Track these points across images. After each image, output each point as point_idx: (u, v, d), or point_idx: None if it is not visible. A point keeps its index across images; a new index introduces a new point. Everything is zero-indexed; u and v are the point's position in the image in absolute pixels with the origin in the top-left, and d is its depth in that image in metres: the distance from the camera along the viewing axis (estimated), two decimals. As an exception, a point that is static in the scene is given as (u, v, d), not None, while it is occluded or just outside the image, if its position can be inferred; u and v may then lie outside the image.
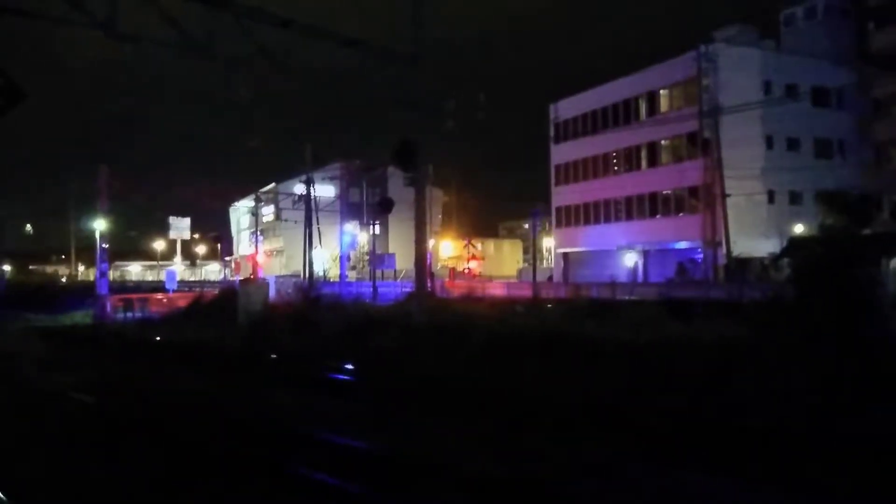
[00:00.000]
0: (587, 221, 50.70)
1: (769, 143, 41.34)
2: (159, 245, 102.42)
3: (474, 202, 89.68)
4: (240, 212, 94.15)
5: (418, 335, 15.76)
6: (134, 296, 39.99)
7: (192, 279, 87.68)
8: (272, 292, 32.57)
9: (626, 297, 24.97)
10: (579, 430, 8.75)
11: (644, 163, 46.25)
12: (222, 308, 27.39)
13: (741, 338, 11.38)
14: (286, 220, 58.37)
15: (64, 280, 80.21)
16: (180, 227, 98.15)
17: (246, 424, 9.41)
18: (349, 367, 14.53)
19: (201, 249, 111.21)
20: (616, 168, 48.82)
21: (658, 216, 44.96)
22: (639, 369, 10.89)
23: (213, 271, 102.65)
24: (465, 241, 61.83)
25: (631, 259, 47.33)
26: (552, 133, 53.01)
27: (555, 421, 9.14)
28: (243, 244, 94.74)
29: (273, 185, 77.67)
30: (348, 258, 66.03)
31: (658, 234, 44.23)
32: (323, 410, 10.68)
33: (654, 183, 44.42)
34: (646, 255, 46.43)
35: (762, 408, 8.79)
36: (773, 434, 8.02)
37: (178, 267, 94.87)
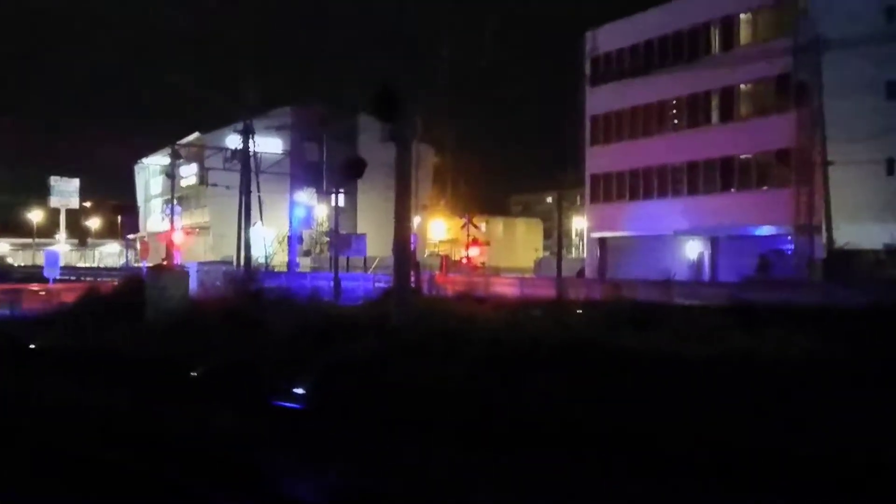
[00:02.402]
0: (633, 196, 50.87)
1: (891, 91, 41.52)
2: (36, 216, 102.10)
3: (478, 166, 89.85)
4: (149, 172, 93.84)
5: (399, 343, 15.96)
6: (-2, 286, 40.07)
7: (82, 264, 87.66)
8: (193, 284, 32.65)
9: (685, 302, 25.14)
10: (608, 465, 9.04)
11: (715, 116, 46.38)
12: (125, 305, 27.49)
13: (839, 360, 11.66)
14: (214, 186, 58.21)
15: None
16: (66, 192, 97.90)
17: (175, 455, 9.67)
18: (307, 381, 14.74)
19: (95, 224, 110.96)
20: (675, 122, 48.93)
21: (732, 190, 45.18)
22: (685, 392, 11.20)
23: (111, 254, 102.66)
24: (465, 220, 61.92)
25: (693, 249, 47.52)
26: (588, 71, 53.04)
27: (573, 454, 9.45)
28: (154, 217, 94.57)
29: (196, 134, 77.48)
30: (300, 240, 66.23)
31: (732, 215, 44.49)
32: (278, 438, 10.91)
33: (728, 144, 44.61)
34: (714, 243, 46.66)
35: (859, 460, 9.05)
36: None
37: (63, 247, 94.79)
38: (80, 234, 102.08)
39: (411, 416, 12.28)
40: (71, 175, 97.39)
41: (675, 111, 48.83)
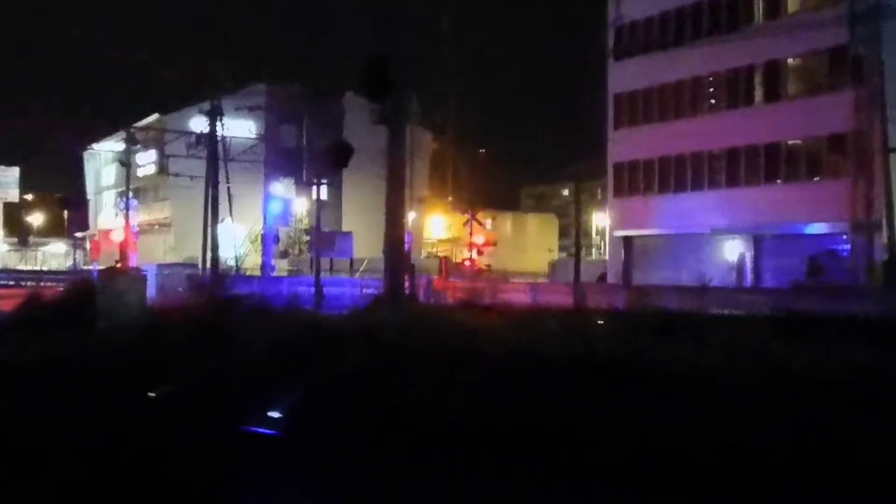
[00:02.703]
0: (663, 188, 50.88)
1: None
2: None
3: (483, 153, 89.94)
4: (101, 160, 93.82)
5: (390, 360, 15.87)
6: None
7: (22, 267, 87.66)
8: (151, 290, 32.61)
9: (724, 311, 25.07)
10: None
11: (758, 94, 46.38)
12: (73, 314, 27.41)
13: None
14: (176, 176, 58.23)
15: None
16: (3, 183, 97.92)
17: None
18: (283, 404, 14.68)
19: (37, 220, 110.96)
20: (712, 102, 48.94)
21: (778, 181, 45.20)
22: (727, 422, 11.11)
23: (56, 255, 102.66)
24: (467, 216, 61.83)
25: (733, 250, 47.52)
26: (611, 43, 53.00)
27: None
28: (106, 213, 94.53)
29: (155, 116, 77.39)
30: (276, 239, 66.11)
31: (778, 211, 44.49)
32: (248, 471, 10.84)
33: (774, 128, 44.62)
34: (757, 243, 46.68)
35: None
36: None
37: (0, 247, 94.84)
38: (20, 232, 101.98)
39: (405, 445, 12.19)
40: (8, 163, 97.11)
41: (711, 89, 48.87)
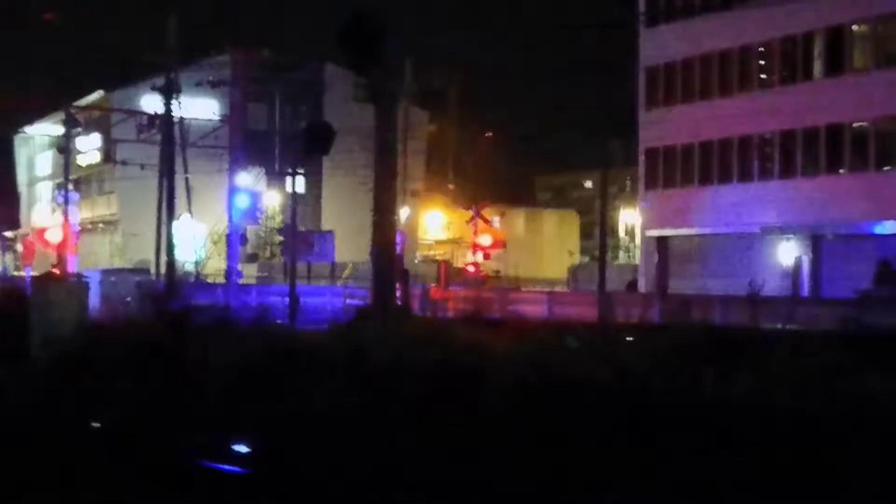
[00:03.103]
0: (704, 179, 50.80)
1: None
2: None
3: (490, 137, 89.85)
4: (34, 146, 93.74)
5: (378, 387, 15.75)
6: None
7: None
8: (94, 300, 32.49)
9: (779, 325, 24.95)
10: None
11: (817, 67, 46.25)
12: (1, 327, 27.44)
13: None
14: (124, 164, 58.11)
15: None
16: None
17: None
18: (250, 437, 14.61)
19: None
20: (763, 76, 48.80)
21: (842, 171, 45.17)
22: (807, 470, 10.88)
23: None
24: (472, 212, 61.84)
25: (788, 252, 47.41)
26: (642, 6, 52.98)
27: None
28: (41, 208, 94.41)
29: (100, 94, 77.29)
30: (244, 240, 65.89)
31: (841, 206, 44.46)
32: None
33: (837, 106, 44.50)
34: (816, 244, 46.56)
35: None
36: None
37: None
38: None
39: (393, 491, 12.06)
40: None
41: (762, 61, 48.78)
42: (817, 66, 46.30)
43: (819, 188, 45.53)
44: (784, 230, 47.20)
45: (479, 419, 14.10)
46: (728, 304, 29.42)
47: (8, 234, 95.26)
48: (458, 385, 15.37)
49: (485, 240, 58.57)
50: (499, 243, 62.72)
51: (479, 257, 58.13)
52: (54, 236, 53.12)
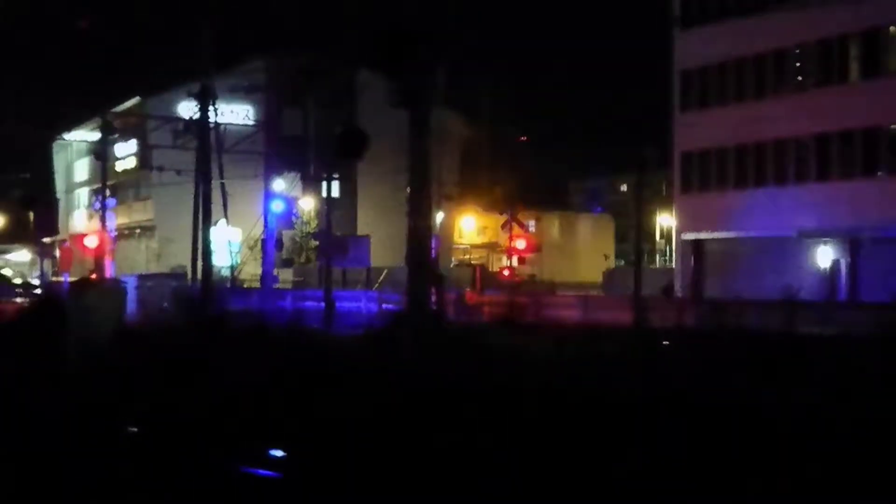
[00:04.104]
0: (741, 182, 50.60)
1: None
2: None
3: (524, 142, 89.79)
4: (72, 153, 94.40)
5: (411, 392, 15.71)
6: None
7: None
8: (130, 306, 32.62)
9: (816, 330, 24.80)
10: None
11: (854, 69, 45.99)
12: (36, 335, 27.49)
13: None
14: (160, 170, 58.39)
15: None
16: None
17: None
18: (286, 441, 14.62)
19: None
20: (799, 79, 48.55)
21: (880, 173, 44.86)
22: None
23: (20, 264, 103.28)
24: (506, 216, 61.82)
25: (826, 256, 47.12)
26: (678, 9, 52.84)
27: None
28: (79, 214, 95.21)
29: (136, 100, 77.77)
30: (279, 245, 66.18)
31: (880, 209, 44.21)
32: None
33: (874, 108, 44.26)
34: (855, 248, 46.26)
35: None
36: None
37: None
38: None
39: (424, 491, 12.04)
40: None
41: (798, 63, 48.53)
42: (854, 69, 46.06)
43: (856, 191, 45.26)
44: (821, 233, 46.94)
45: (510, 432, 14.04)
46: (763, 309, 29.28)
47: (46, 240, 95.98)
48: (491, 396, 15.33)
49: (519, 244, 58.69)
50: (534, 247, 62.82)
51: (514, 261, 58.17)
52: (92, 242, 53.48)
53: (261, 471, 13.89)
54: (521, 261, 59.31)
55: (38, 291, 53.30)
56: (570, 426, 13.43)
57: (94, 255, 53.32)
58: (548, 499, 11.63)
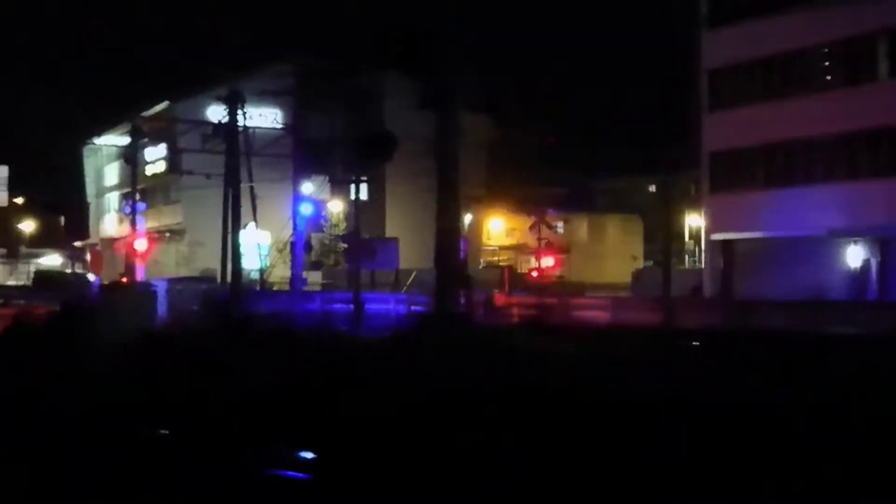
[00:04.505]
0: (770, 182, 50.39)
1: None
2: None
3: (551, 142, 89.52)
4: (102, 157, 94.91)
5: (438, 394, 15.74)
6: None
7: (12, 282, 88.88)
8: (160, 308, 32.88)
9: (844, 330, 24.73)
10: None
11: (883, 67, 45.78)
12: (68, 338, 27.70)
13: None
14: (189, 174, 58.62)
15: None
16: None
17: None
18: (315, 443, 14.68)
19: (29, 227, 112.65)
20: (827, 78, 48.36)
21: (911, 172, 44.56)
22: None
23: (51, 267, 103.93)
24: (534, 218, 61.81)
25: (856, 255, 46.91)
26: (705, 7, 52.71)
27: None
28: (109, 218, 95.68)
29: (165, 104, 78.15)
30: (308, 247, 66.39)
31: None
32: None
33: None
34: (885, 247, 46.05)
35: None
36: None
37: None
38: (9, 241, 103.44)
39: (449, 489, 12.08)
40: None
41: (826, 62, 48.32)
42: (882, 67, 45.78)
43: (887, 190, 44.99)
44: (851, 233, 46.66)
45: (529, 434, 14.05)
46: (790, 309, 29.23)
47: (77, 243, 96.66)
48: (512, 398, 15.36)
49: (548, 246, 58.65)
50: (562, 249, 62.74)
51: (544, 262, 58.08)
52: (142, 245, 53.83)
53: (287, 472, 13.99)
54: (558, 263, 59.15)
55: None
56: (591, 429, 13.46)
57: (125, 258, 53.69)
58: (563, 499, 11.71)
